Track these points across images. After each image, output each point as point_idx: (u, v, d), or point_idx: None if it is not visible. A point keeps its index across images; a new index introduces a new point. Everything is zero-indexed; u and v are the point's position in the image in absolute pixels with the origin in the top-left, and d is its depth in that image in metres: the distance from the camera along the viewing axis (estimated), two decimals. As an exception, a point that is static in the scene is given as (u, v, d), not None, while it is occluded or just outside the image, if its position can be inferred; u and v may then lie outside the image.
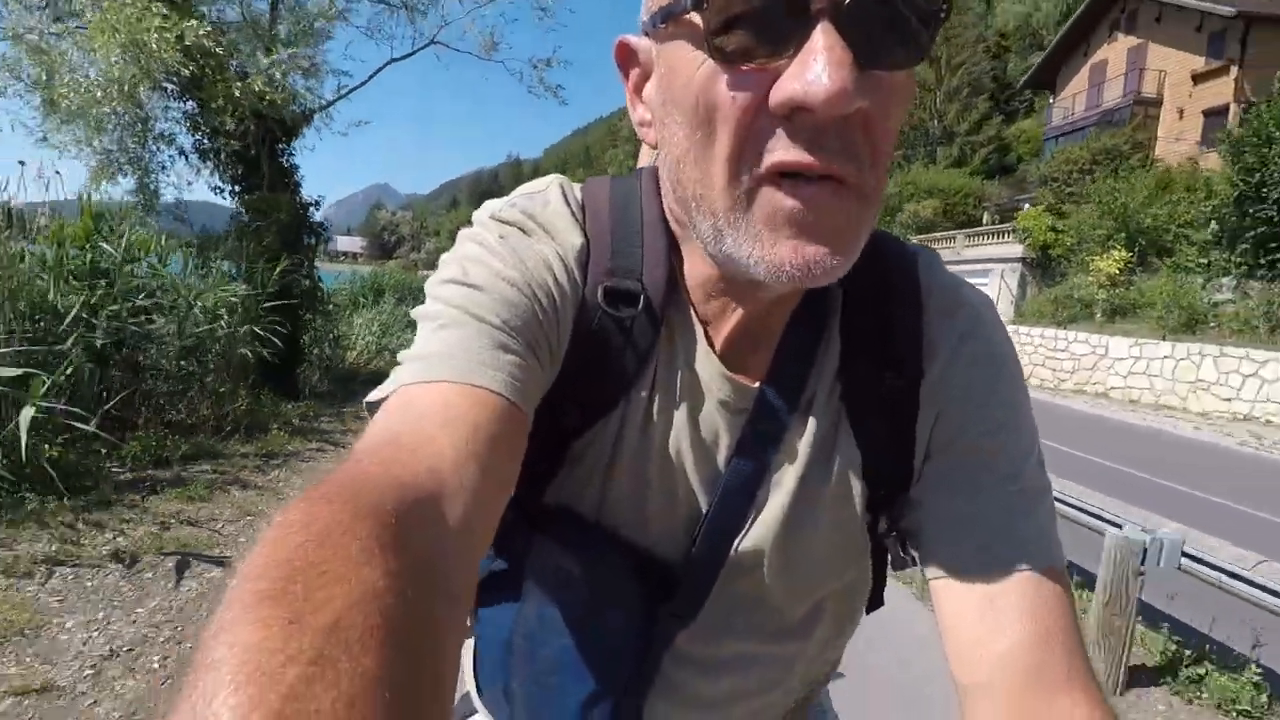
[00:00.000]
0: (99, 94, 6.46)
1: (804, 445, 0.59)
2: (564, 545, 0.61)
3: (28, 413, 3.67)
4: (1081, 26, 26.94)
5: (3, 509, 3.63)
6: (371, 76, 9.65)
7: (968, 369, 0.59)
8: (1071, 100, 27.03)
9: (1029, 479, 0.56)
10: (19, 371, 3.91)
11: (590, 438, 0.59)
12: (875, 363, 0.59)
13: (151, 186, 7.99)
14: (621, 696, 0.62)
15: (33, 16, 6.90)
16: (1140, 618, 3.11)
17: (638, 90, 0.56)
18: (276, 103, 7.23)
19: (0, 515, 3.59)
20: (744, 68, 0.43)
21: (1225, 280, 14.43)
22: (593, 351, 0.57)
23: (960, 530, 0.56)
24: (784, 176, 0.44)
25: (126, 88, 6.37)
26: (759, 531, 0.60)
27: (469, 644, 0.71)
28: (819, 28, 0.41)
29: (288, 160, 8.32)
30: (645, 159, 0.73)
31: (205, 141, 7.91)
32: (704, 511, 0.61)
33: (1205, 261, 15.07)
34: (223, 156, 7.84)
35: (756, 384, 0.59)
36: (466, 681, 0.74)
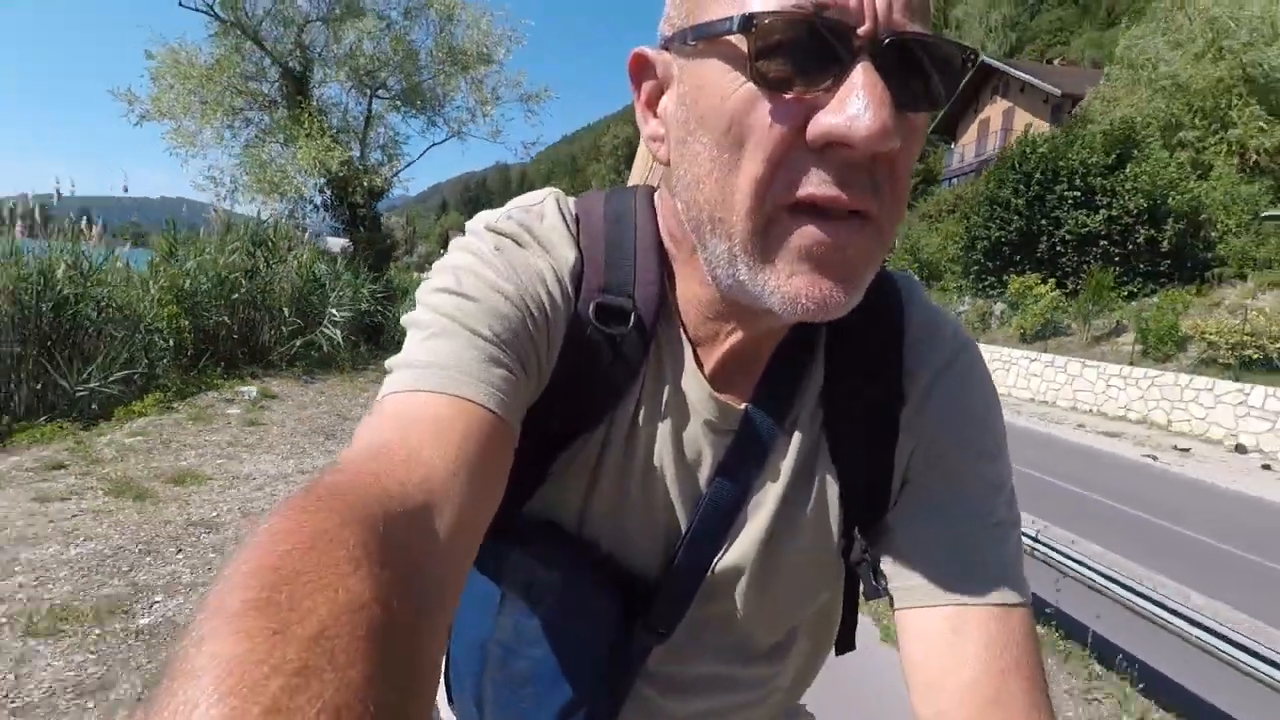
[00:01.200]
0: (284, 184, 12.52)
1: (785, 467, 0.60)
2: (543, 557, 0.61)
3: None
4: (973, 86, 33.10)
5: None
6: (421, 155, 16.07)
7: (946, 396, 0.59)
8: (963, 149, 33.24)
9: (1001, 511, 0.57)
10: (301, 324, 9.60)
11: (574, 451, 0.59)
12: (857, 388, 0.59)
13: (302, 226, 13.86)
14: (593, 712, 0.62)
15: (265, 146, 13.07)
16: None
17: (650, 104, 0.55)
18: (377, 184, 13.22)
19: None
20: (784, 95, 0.43)
21: (966, 299, 19.39)
22: (581, 366, 0.57)
23: (929, 559, 0.55)
24: (809, 209, 0.44)
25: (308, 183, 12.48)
26: (738, 550, 0.61)
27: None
28: (860, 65, 0.41)
29: (373, 210, 14.15)
30: (638, 174, 0.74)
31: (332, 202, 13.75)
32: (684, 528, 0.61)
33: (959, 285, 20.16)
34: (339, 210, 13.69)
35: (742, 405, 0.59)
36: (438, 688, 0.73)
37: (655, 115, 0.54)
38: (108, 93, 12.45)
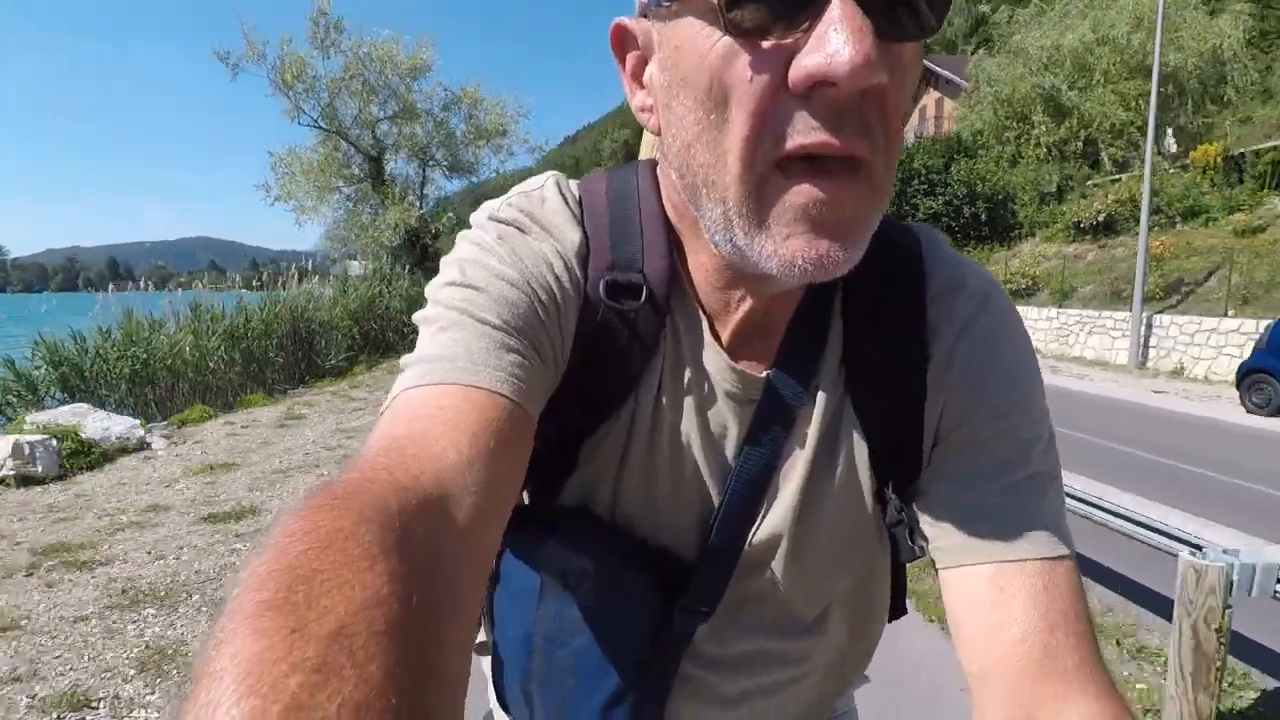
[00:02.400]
0: (383, 238, 18.92)
1: (812, 434, 0.59)
2: (578, 545, 0.60)
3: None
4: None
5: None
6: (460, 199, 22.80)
7: (973, 350, 0.57)
8: (909, 130, 38.82)
9: (1037, 463, 0.55)
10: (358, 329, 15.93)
11: (601, 435, 0.59)
12: (879, 347, 0.58)
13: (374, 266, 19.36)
14: (641, 696, 0.61)
15: (360, 212, 19.71)
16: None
17: (636, 75, 0.53)
18: (438, 228, 19.79)
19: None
20: (761, 44, 0.41)
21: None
22: (598, 347, 0.56)
23: (967, 516, 0.54)
24: (799, 163, 0.43)
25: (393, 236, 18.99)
26: (772, 522, 0.60)
27: (489, 652, 0.71)
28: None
29: (434, 244, 20.51)
30: (646, 152, 0.72)
31: (405, 246, 20.01)
32: (716, 504, 0.60)
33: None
34: (413, 251, 20.05)
35: (763, 374, 0.58)
36: (488, 691, 0.73)
37: (641, 86, 0.53)
38: (255, 187, 19.21)
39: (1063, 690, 0.47)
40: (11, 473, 5.36)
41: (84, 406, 7.04)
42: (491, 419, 0.45)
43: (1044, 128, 20.80)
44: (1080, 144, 20.37)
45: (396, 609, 0.28)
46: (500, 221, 0.57)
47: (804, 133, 0.41)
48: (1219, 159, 16.36)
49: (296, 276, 14.05)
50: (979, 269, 0.62)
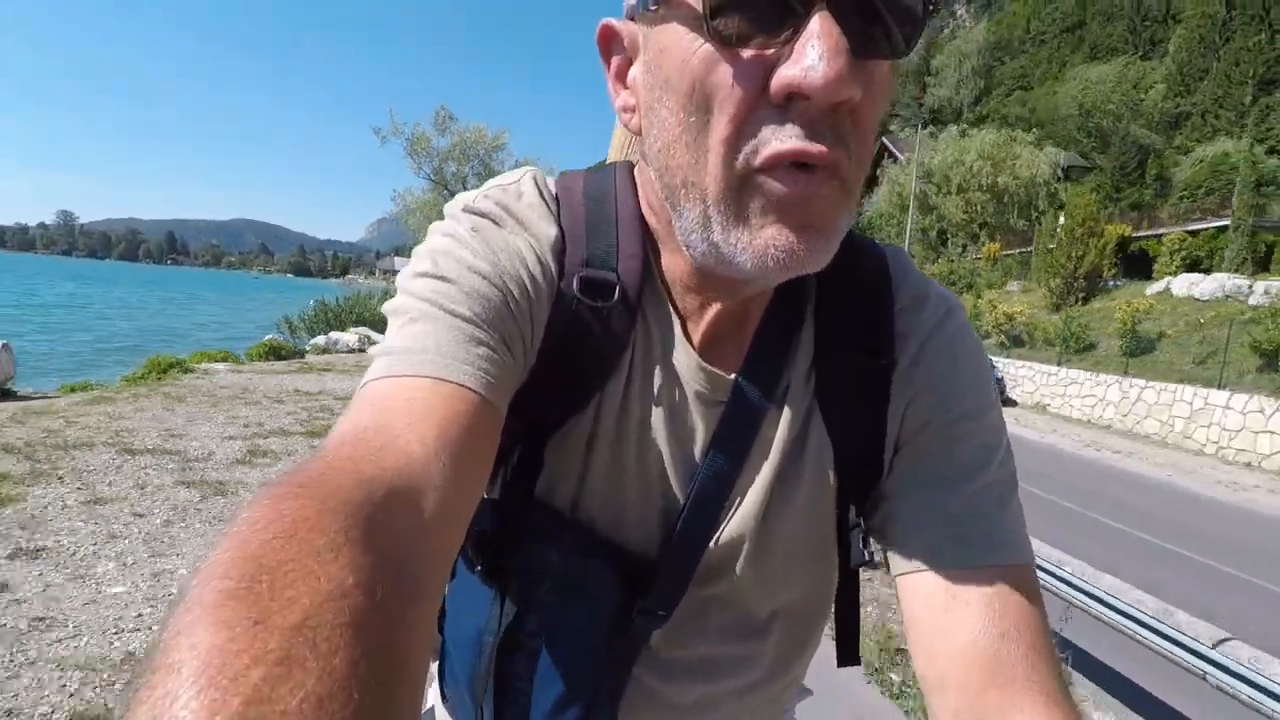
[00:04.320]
0: None
1: (779, 436, 0.59)
2: (539, 541, 0.59)
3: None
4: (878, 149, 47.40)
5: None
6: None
7: (935, 360, 0.59)
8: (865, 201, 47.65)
9: (995, 471, 0.56)
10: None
11: (567, 430, 0.59)
12: (848, 354, 0.58)
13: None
14: (594, 701, 0.60)
15: None
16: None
17: (620, 76, 0.54)
18: None
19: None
20: (743, 52, 0.43)
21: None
22: (568, 342, 0.56)
23: (926, 522, 0.55)
24: (777, 165, 0.44)
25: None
26: (736, 524, 0.60)
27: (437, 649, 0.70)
28: (817, 15, 0.41)
29: None
30: (615, 151, 0.73)
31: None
32: (681, 504, 0.60)
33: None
34: None
35: (732, 375, 0.58)
36: (429, 692, 0.73)
37: (625, 86, 0.54)
38: (390, 198, 28.92)
39: (1010, 698, 0.47)
40: (358, 346, 14.90)
41: (336, 334, 16.46)
42: (458, 412, 0.44)
43: (916, 217, 29.87)
44: (934, 233, 29.47)
45: (361, 601, 0.27)
46: (475, 213, 0.56)
47: (781, 139, 0.43)
48: (997, 253, 25.56)
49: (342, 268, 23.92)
50: (940, 286, 0.63)
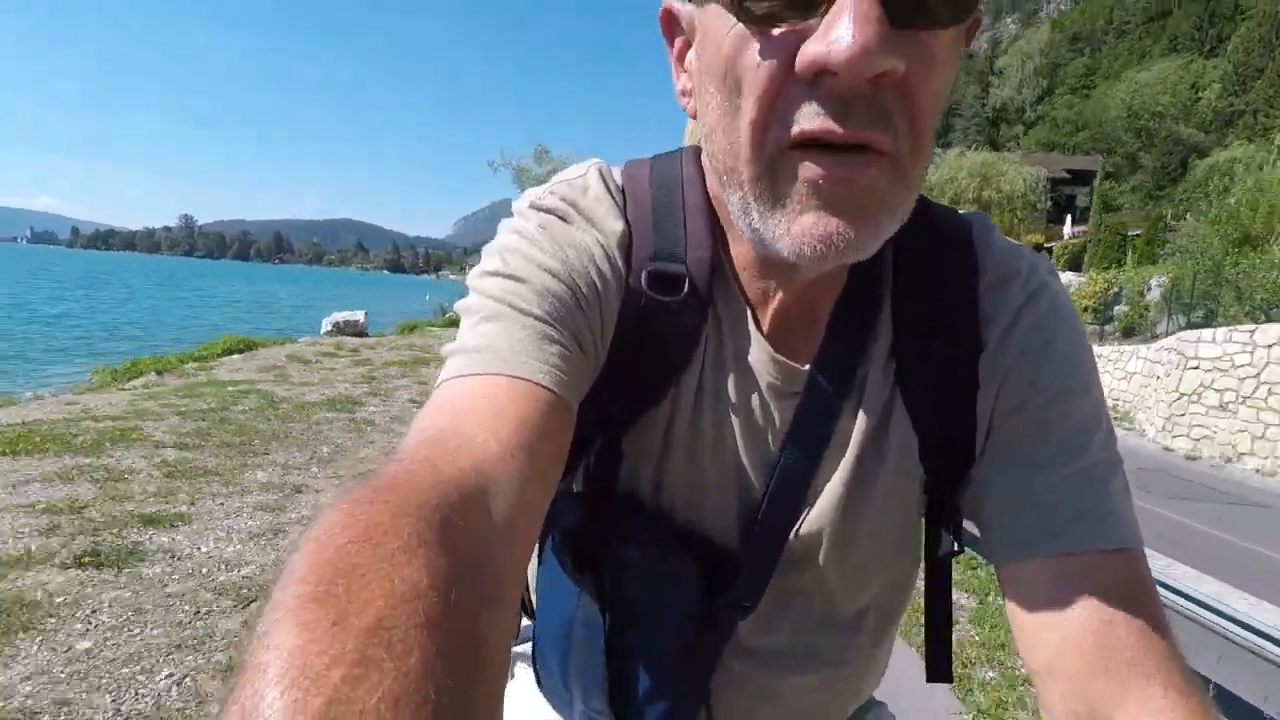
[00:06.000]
0: None
1: (858, 428, 0.58)
2: (622, 535, 0.60)
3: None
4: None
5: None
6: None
7: (1027, 336, 0.56)
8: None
9: (1096, 452, 0.53)
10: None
11: (643, 425, 0.59)
12: (930, 340, 0.56)
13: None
14: (683, 688, 0.61)
15: None
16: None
17: (680, 58, 0.54)
18: None
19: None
20: (773, 31, 0.41)
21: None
22: (639, 338, 0.56)
23: (1023, 508, 0.53)
24: (811, 146, 0.42)
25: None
26: (816, 516, 0.59)
27: (529, 637, 0.72)
28: None
29: None
30: (689, 138, 0.72)
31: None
32: (760, 497, 0.59)
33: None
34: None
35: (806, 366, 0.57)
36: (527, 676, 0.74)
37: (685, 70, 0.54)
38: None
39: (1124, 684, 0.45)
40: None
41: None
42: (532, 410, 0.45)
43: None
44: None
45: (435, 601, 0.28)
46: (543, 210, 0.56)
47: (809, 119, 0.41)
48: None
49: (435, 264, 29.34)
50: (1033, 255, 0.60)
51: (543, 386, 0.47)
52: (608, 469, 0.61)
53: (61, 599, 2.96)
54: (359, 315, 17.38)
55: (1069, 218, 35.58)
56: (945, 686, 2.79)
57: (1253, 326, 10.94)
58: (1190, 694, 0.45)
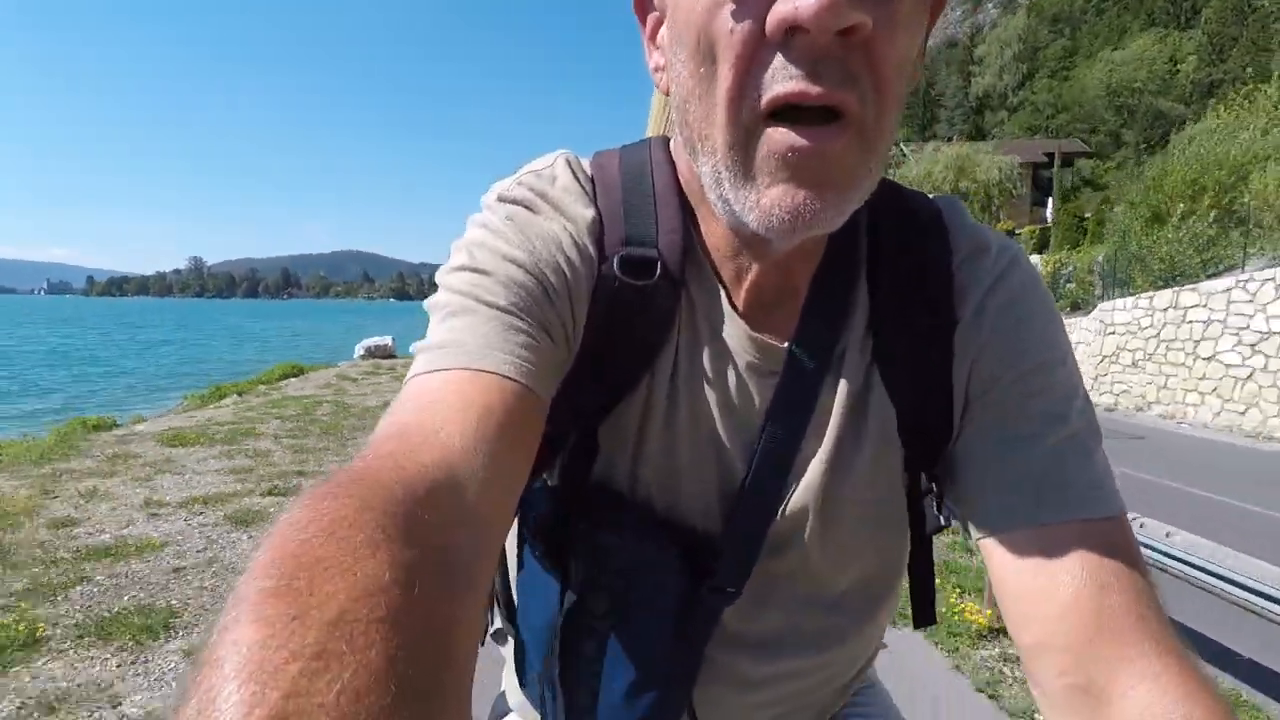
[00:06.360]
0: None
1: (838, 403, 0.58)
2: (601, 527, 0.59)
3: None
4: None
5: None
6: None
7: (1001, 310, 0.56)
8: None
9: (1076, 422, 0.53)
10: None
11: (619, 412, 0.59)
12: (906, 315, 0.57)
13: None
14: (668, 681, 0.60)
15: None
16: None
17: (653, 36, 0.55)
18: None
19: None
20: None
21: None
22: (612, 324, 0.56)
23: (1007, 480, 0.53)
24: (783, 114, 0.43)
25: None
26: (799, 495, 0.59)
27: (509, 638, 0.70)
28: None
29: None
30: (653, 123, 0.73)
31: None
32: (741, 479, 0.59)
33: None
34: None
35: (784, 344, 0.57)
36: (505, 677, 0.74)
37: (657, 46, 0.54)
38: None
39: (1121, 651, 0.44)
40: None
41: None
42: (499, 402, 0.44)
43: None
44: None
45: (398, 594, 0.28)
46: (509, 201, 0.56)
47: (782, 81, 0.42)
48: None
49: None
50: (1001, 234, 0.61)
51: (509, 379, 0.46)
52: (585, 458, 0.60)
53: (273, 510, 4.96)
54: (387, 340, 19.53)
55: (1050, 201, 37.13)
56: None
57: (1152, 294, 12.81)
58: (1184, 657, 0.44)
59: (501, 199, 0.56)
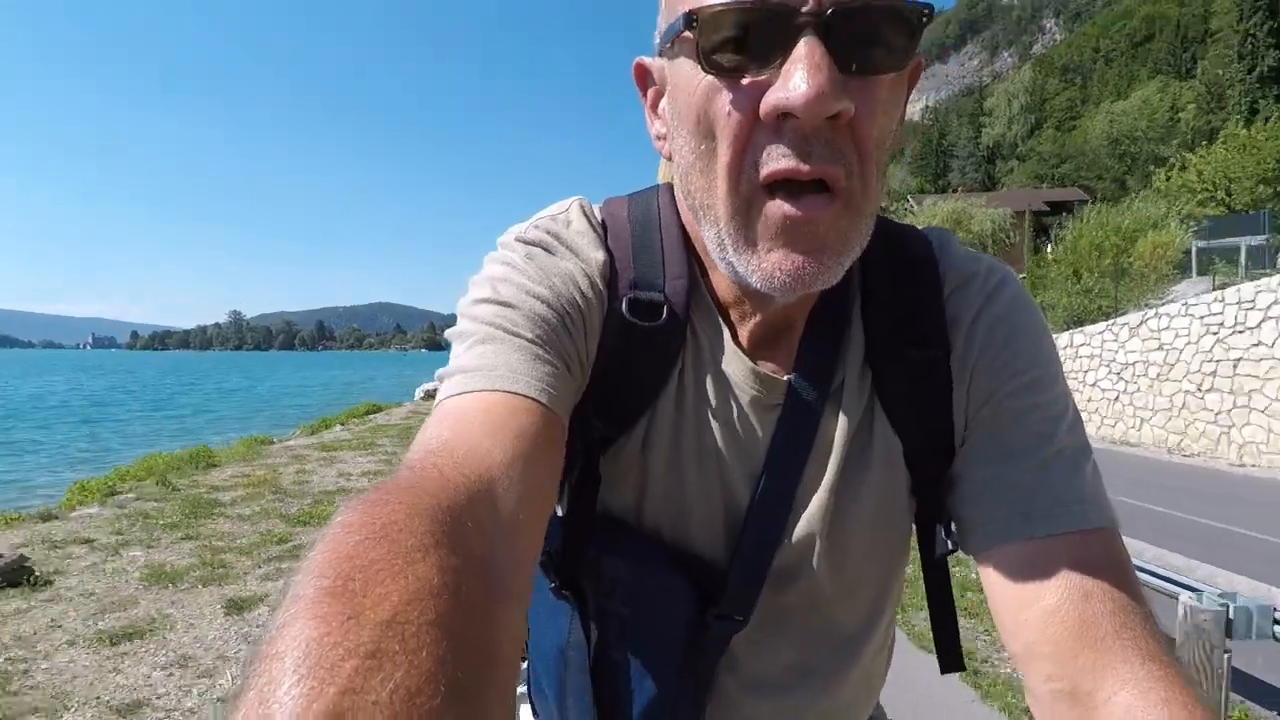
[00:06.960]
0: None
1: (840, 434, 0.59)
2: (605, 554, 0.61)
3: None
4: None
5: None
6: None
7: (991, 333, 0.58)
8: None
9: (1065, 438, 0.55)
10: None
11: (620, 445, 0.61)
12: (901, 346, 0.59)
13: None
14: (679, 709, 0.61)
15: None
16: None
17: (654, 107, 0.59)
18: None
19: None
20: (741, 81, 0.46)
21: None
22: (619, 361, 0.58)
23: (999, 497, 0.55)
24: (778, 187, 0.46)
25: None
26: (805, 523, 0.60)
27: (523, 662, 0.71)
28: (803, 40, 0.43)
29: None
30: (663, 175, 0.77)
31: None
32: (745, 508, 0.60)
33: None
34: None
35: (785, 377, 0.60)
36: (517, 702, 0.73)
37: (658, 116, 0.58)
38: None
39: (1103, 658, 0.46)
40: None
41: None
42: (531, 423, 0.47)
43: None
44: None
45: (447, 599, 0.29)
46: (528, 243, 0.59)
47: (776, 159, 0.46)
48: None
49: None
50: (991, 259, 0.63)
51: (539, 402, 0.48)
52: (589, 489, 0.61)
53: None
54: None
55: (1049, 248, 39.52)
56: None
57: (1056, 335, 15.66)
58: (1169, 665, 0.45)
59: (520, 240, 0.60)
